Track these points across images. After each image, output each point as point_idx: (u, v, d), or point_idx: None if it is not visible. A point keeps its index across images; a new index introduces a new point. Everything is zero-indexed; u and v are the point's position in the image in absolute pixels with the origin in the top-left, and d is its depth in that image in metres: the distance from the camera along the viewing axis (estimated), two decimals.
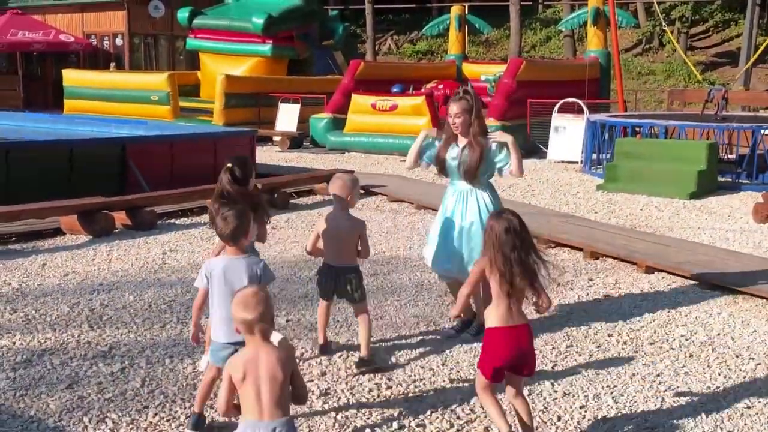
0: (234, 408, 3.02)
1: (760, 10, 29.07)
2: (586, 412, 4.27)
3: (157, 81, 20.52)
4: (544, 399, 4.42)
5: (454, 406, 4.29)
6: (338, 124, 18.04)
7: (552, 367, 4.91)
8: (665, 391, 4.57)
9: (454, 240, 5.33)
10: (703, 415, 4.25)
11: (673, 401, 4.43)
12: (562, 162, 15.82)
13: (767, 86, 28.60)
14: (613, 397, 4.46)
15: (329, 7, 34.67)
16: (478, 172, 5.25)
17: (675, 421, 4.18)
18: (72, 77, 22.19)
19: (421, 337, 5.43)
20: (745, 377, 4.80)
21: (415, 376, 4.72)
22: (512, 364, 3.65)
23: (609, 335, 5.54)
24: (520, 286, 3.62)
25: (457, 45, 22.52)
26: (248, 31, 22.22)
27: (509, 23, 34.09)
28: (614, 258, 7.65)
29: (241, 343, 3.21)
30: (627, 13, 23.93)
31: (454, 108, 5.26)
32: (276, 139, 18.36)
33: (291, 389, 2.97)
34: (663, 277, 7.08)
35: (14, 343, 5.15)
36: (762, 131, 12.81)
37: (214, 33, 23.04)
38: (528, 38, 37.77)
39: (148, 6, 29.00)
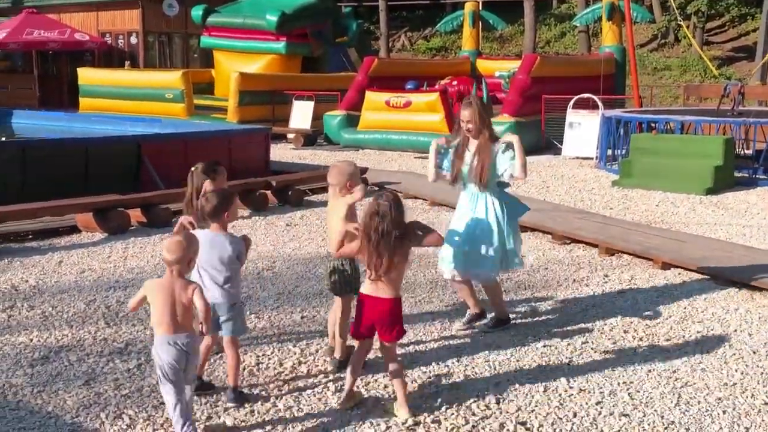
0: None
1: None
2: (602, 408, 4.26)
3: (171, 79, 20.60)
4: (560, 395, 4.41)
5: (469, 402, 4.28)
6: (352, 121, 18.04)
7: (567, 363, 4.90)
8: (682, 387, 4.55)
9: (463, 241, 5.38)
10: (720, 411, 4.22)
11: (690, 397, 4.41)
12: (577, 158, 15.76)
13: None
14: (629, 394, 4.44)
15: (343, 4, 34.67)
16: (488, 176, 5.32)
17: (692, 417, 4.16)
18: (87, 76, 22.32)
19: (435, 334, 5.43)
20: (762, 373, 4.77)
21: (430, 372, 4.72)
22: (368, 327, 4.13)
23: (625, 331, 5.52)
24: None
25: (471, 41, 22.47)
26: (262, 28, 22.26)
27: (523, 19, 33.99)
28: (630, 254, 7.61)
29: (234, 304, 4.23)
30: (642, 8, 23.81)
31: (466, 114, 5.36)
32: (290, 136, 18.38)
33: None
34: (679, 273, 7.04)
35: (32, 340, 5.18)
36: None
37: (228, 31, 23.09)
38: (542, 34, 37.64)
39: (162, 4, 29.09)
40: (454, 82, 19.00)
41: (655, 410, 4.24)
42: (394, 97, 17.42)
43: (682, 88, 25.08)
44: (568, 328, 5.57)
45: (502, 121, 15.33)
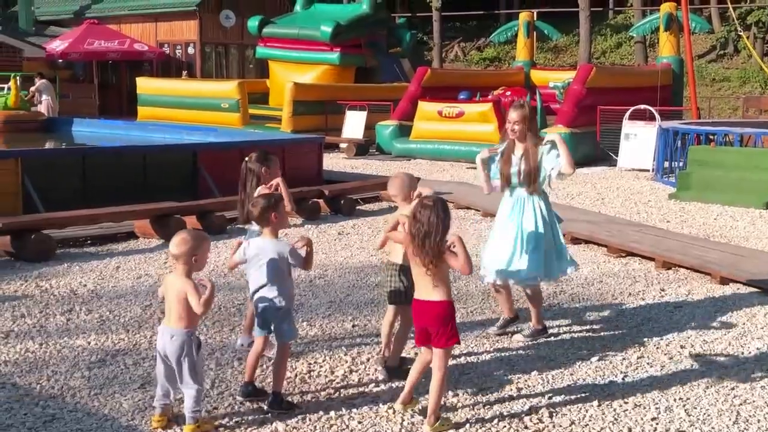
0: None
1: None
2: (657, 424, 4.17)
3: (227, 89, 20.91)
4: (614, 410, 4.34)
5: (522, 415, 4.23)
6: (404, 131, 18.07)
7: (623, 378, 4.82)
8: (740, 405, 4.44)
9: (508, 246, 5.37)
10: None
11: (749, 415, 4.30)
12: (633, 170, 15.54)
13: None
14: (685, 410, 4.35)
15: (397, 14, 34.84)
16: (536, 178, 5.33)
17: None
18: (145, 85, 22.78)
19: (487, 345, 5.39)
20: None
21: (481, 383, 4.68)
22: (422, 331, 4.09)
23: (681, 347, 5.41)
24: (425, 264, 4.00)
25: (526, 51, 22.35)
26: (316, 39, 22.47)
27: (578, 29, 33.69)
28: (687, 268, 7.47)
29: (280, 308, 4.20)
30: (701, 19, 23.39)
31: (514, 115, 5.39)
32: (343, 146, 18.48)
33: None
34: (738, 289, 6.88)
35: (89, 343, 5.29)
36: None
37: (283, 41, 23.37)
38: (598, 44, 37.25)
39: (220, 16, 29.61)
40: (508, 93, 18.92)
41: (712, 427, 4.14)
42: (446, 107, 17.41)
43: (741, 100, 24.58)
44: (624, 342, 5.48)
45: (556, 132, 15.18)
